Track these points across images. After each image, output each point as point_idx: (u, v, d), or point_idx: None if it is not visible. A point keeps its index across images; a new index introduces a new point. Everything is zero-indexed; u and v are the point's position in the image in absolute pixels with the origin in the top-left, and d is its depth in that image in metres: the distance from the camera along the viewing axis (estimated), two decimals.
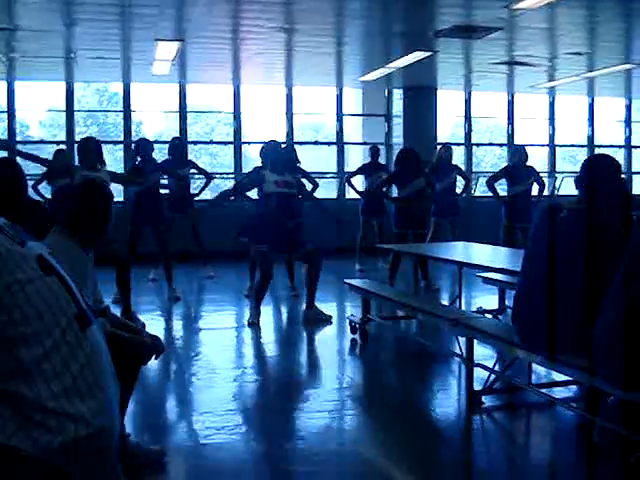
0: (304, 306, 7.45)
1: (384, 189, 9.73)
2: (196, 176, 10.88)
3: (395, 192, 9.57)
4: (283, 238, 7.24)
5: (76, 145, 7.30)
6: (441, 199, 10.07)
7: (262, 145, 8.49)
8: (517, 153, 9.86)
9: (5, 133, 12.34)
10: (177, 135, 12.11)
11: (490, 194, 9.84)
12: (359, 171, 11.15)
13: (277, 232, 7.20)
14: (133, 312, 7.06)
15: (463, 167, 12.62)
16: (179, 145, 10.17)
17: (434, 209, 10.13)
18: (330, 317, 7.29)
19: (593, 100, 14.92)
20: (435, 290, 8.91)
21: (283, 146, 8.79)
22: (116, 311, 6.01)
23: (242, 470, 3.70)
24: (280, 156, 7.50)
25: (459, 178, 10.65)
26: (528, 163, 9.74)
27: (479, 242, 7.31)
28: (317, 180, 9.11)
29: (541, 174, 10.38)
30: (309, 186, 9.55)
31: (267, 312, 7.89)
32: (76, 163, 7.56)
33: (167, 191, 9.60)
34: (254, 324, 7.11)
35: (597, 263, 3.62)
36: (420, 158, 8.92)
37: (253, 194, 8.25)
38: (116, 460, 2.18)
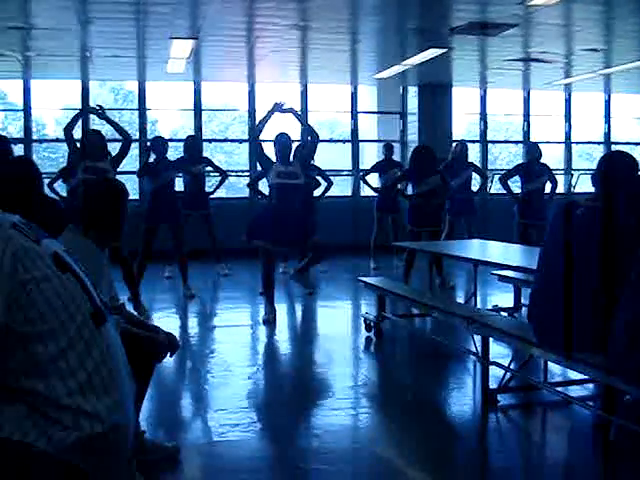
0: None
1: (399, 186, 9.71)
2: (211, 174, 10.89)
3: (409, 189, 9.54)
4: (284, 232, 7.14)
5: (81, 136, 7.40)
6: (457, 197, 10.05)
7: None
8: (531, 150, 9.83)
9: (21, 132, 12.41)
10: (192, 133, 12.14)
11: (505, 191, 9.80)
12: (373, 169, 11.13)
13: (277, 226, 7.14)
14: (141, 301, 7.14)
15: (479, 165, 12.57)
16: (194, 143, 10.20)
17: (449, 207, 10.11)
18: (312, 292, 7.25)
19: (609, 97, 14.82)
20: (450, 288, 8.89)
21: (296, 144, 8.73)
22: (131, 309, 6.05)
23: (256, 467, 3.70)
24: (285, 146, 7.38)
25: (475, 176, 10.62)
26: (542, 161, 9.69)
27: (494, 240, 7.28)
28: (332, 178, 9.08)
29: (557, 172, 10.36)
30: (324, 184, 9.57)
31: (281, 309, 7.89)
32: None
33: (182, 188, 9.65)
34: (268, 322, 7.12)
35: (614, 261, 3.60)
36: (435, 155, 8.87)
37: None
38: (131, 457, 2.19)
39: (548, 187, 9.75)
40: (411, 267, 8.53)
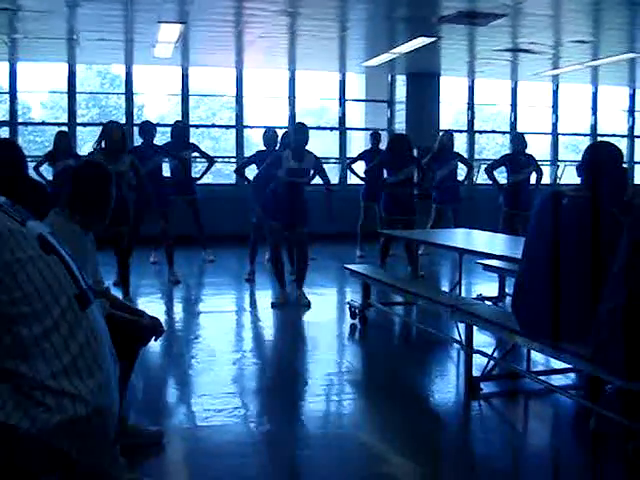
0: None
1: (376, 173, 9.73)
2: (197, 160, 10.85)
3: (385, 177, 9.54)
4: (289, 215, 7.29)
5: (101, 128, 7.09)
6: (442, 186, 10.10)
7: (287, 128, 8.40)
8: (516, 141, 9.88)
9: (7, 115, 12.32)
10: (179, 118, 12.09)
11: (490, 182, 9.85)
12: (360, 157, 11.12)
13: (285, 209, 7.26)
14: (130, 297, 7.11)
15: (465, 154, 12.61)
16: (181, 128, 10.14)
17: (435, 196, 10.17)
18: (309, 303, 7.28)
19: (597, 89, 14.87)
20: (421, 277, 8.77)
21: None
22: (116, 293, 6.03)
23: (240, 452, 3.71)
24: (303, 142, 7.31)
25: (461, 166, 10.65)
26: (528, 151, 9.75)
27: (480, 229, 7.31)
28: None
29: (543, 163, 10.42)
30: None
31: (266, 295, 7.89)
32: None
33: (169, 174, 9.62)
34: (277, 305, 7.28)
35: (598, 250, 3.62)
36: (412, 145, 8.91)
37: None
38: (114, 440, 2.19)
39: (533, 178, 9.81)
40: (387, 254, 8.60)
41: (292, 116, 13.08)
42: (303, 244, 7.41)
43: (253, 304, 7.93)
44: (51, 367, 1.92)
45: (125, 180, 6.94)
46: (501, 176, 9.93)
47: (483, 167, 10.66)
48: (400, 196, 8.58)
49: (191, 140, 11.11)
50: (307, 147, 7.35)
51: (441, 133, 10.79)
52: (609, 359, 3.35)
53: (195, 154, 10.33)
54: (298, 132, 7.38)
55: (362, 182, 10.83)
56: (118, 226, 6.64)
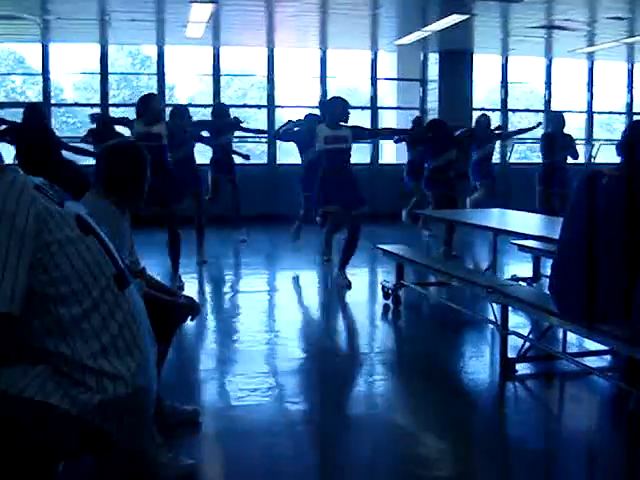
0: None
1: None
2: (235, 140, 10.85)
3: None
4: (345, 195, 7.20)
5: (138, 101, 7.23)
6: (477, 168, 10.17)
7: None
8: (555, 120, 9.79)
9: (40, 96, 12.40)
10: (210, 98, 12.09)
11: (526, 162, 9.82)
12: (402, 139, 11.12)
13: (339, 189, 7.17)
14: (179, 275, 7.13)
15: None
16: (222, 109, 10.12)
17: (478, 176, 10.31)
18: (349, 283, 7.24)
19: (633, 66, 14.60)
20: (454, 257, 8.76)
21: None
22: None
23: (274, 432, 3.71)
24: (342, 111, 7.24)
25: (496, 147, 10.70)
26: (565, 131, 9.65)
27: (514, 209, 7.22)
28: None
29: (578, 141, 10.29)
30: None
31: (299, 275, 7.89)
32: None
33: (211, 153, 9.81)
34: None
35: (638, 230, 3.55)
36: (449, 129, 8.96)
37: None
38: (152, 419, 2.20)
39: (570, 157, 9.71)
40: (452, 234, 8.69)
41: (324, 95, 13.01)
42: (357, 226, 7.33)
43: (286, 284, 7.93)
44: (90, 347, 1.92)
45: (164, 145, 7.03)
46: (534, 155, 9.85)
47: (517, 147, 10.60)
48: (439, 176, 8.74)
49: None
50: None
51: (478, 115, 10.73)
52: None
53: (239, 133, 10.36)
54: (335, 104, 7.32)
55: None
56: (169, 204, 6.75)
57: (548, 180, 9.41)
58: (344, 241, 7.42)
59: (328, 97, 7.81)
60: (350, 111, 7.31)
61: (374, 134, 8.16)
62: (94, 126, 9.17)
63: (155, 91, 12.64)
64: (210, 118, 9.99)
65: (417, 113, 13.16)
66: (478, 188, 10.57)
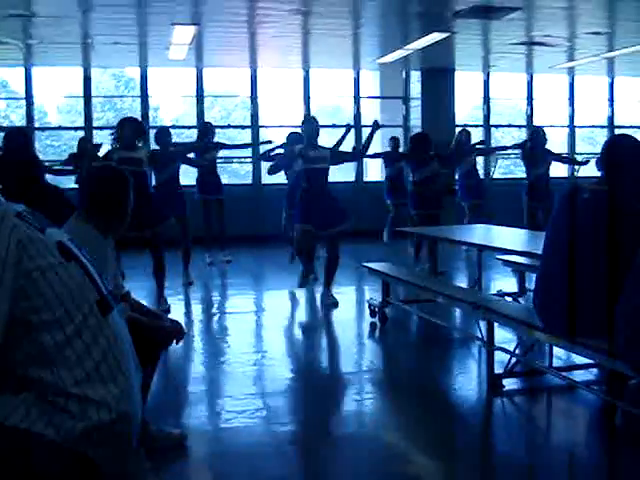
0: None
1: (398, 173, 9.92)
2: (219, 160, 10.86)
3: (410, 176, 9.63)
4: (321, 215, 7.24)
5: (115, 125, 7.19)
6: (463, 183, 10.28)
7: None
8: (535, 135, 9.87)
9: (23, 120, 12.39)
10: (194, 119, 12.13)
11: (510, 176, 9.92)
12: (378, 155, 11.24)
13: (316, 210, 7.22)
14: (165, 298, 7.10)
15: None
16: (208, 129, 10.11)
17: (463, 193, 10.41)
18: (336, 303, 7.26)
19: (613, 80, 14.75)
20: (440, 273, 8.77)
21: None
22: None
23: (262, 453, 3.70)
24: (314, 130, 7.35)
25: (479, 160, 10.76)
26: (547, 146, 9.79)
27: (499, 224, 7.26)
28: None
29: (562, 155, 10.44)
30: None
31: (285, 295, 7.90)
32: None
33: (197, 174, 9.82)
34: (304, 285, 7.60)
35: (619, 245, 3.58)
36: (432, 143, 9.01)
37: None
38: (138, 444, 2.19)
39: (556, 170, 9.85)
40: (420, 250, 8.87)
41: (307, 114, 13.04)
42: (336, 244, 7.37)
43: (273, 304, 7.92)
44: (74, 374, 1.92)
45: (144, 170, 6.98)
46: (518, 170, 9.93)
47: (500, 162, 10.71)
48: (425, 192, 8.76)
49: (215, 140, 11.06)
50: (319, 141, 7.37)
51: (458, 130, 10.82)
52: (630, 354, 3.32)
53: (222, 154, 10.40)
54: (307, 122, 7.49)
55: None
56: (151, 227, 6.73)
57: (533, 195, 9.49)
58: (325, 260, 7.46)
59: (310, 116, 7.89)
60: (320, 129, 7.42)
61: (355, 158, 8.21)
62: (75, 151, 9.22)
63: (139, 113, 12.68)
64: (196, 139, 9.98)
65: (400, 130, 13.25)
66: (466, 211, 10.62)
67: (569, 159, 10.82)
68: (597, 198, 3.77)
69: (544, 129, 10.01)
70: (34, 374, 1.90)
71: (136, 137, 6.98)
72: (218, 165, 10.50)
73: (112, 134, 7.00)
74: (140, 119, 12.26)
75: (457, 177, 10.53)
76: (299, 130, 7.91)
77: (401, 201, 10.67)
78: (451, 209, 10.08)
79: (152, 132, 9.39)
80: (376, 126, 7.70)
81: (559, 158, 10.15)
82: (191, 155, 9.45)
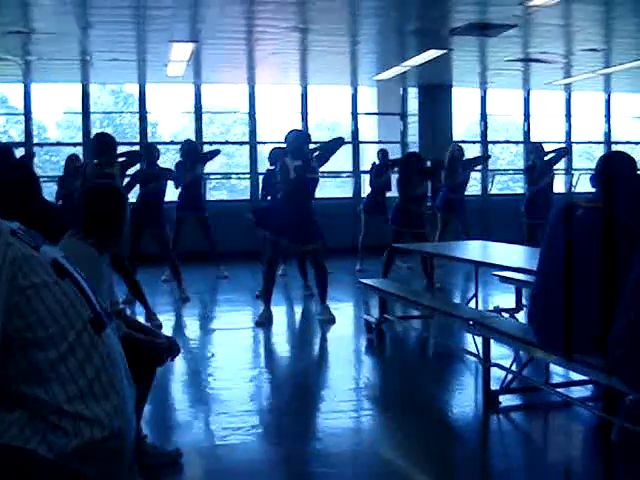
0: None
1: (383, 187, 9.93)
2: (211, 176, 10.85)
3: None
4: (298, 229, 7.15)
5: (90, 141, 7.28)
6: (449, 197, 10.24)
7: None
8: (535, 150, 9.95)
9: (22, 135, 12.42)
10: (193, 135, 12.16)
11: (508, 192, 9.93)
12: (371, 172, 11.21)
13: (293, 224, 7.12)
14: (152, 312, 7.07)
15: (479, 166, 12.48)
16: (190, 147, 10.05)
17: (440, 205, 10.28)
18: (333, 318, 7.24)
19: (610, 96, 14.82)
20: (437, 289, 8.78)
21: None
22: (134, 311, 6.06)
23: (258, 471, 3.70)
24: (299, 142, 7.33)
25: (474, 175, 10.77)
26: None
27: (495, 240, 7.28)
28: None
29: (558, 171, 10.44)
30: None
31: (282, 311, 7.90)
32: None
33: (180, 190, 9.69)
34: (261, 324, 7.10)
35: (614, 262, 3.59)
36: (425, 162, 9.01)
37: None
38: (132, 461, 2.19)
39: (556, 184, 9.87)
40: (390, 265, 8.67)
41: (305, 131, 13.09)
42: (319, 259, 7.34)
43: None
44: (67, 391, 1.92)
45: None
46: (516, 185, 9.95)
47: (498, 177, 10.71)
48: (412, 211, 8.67)
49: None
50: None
51: (451, 145, 10.86)
52: (626, 370, 3.32)
53: (208, 169, 10.35)
54: (294, 135, 7.43)
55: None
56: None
57: (531, 211, 9.53)
58: (314, 275, 7.42)
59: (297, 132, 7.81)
60: (309, 141, 7.48)
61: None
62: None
63: (138, 129, 12.72)
64: (180, 156, 9.92)
65: (398, 147, 13.29)
66: (439, 222, 10.49)
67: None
68: (591, 215, 3.79)
69: (542, 144, 10.08)
70: (28, 391, 1.91)
71: (104, 152, 7.08)
72: (211, 181, 10.47)
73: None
74: (138, 134, 12.44)
75: (442, 188, 10.39)
76: (282, 145, 7.90)
77: (377, 216, 10.66)
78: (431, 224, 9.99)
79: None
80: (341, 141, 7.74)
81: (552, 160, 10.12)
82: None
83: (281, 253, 7.37)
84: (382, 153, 11.31)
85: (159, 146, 9.52)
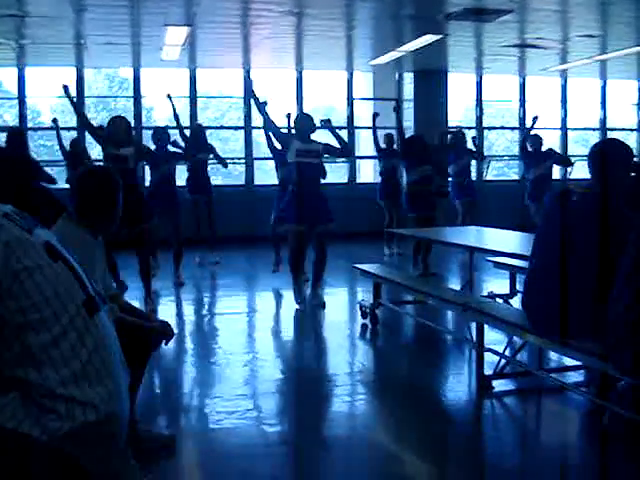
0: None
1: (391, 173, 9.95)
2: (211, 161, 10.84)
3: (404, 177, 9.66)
4: (312, 213, 7.16)
5: (107, 123, 7.24)
6: (453, 181, 10.35)
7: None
8: (532, 139, 9.99)
9: (16, 120, 12.37)
10: (187, 120, 12.12)
11: (503, 178, 10.01)
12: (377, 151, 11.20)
13: (302, 208, 7.14)
14: (152, 298, 7.10)
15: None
16: (199, 130, 10.17)
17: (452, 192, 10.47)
18: (324, 304, 7.25)
19: (605, 83, 14.80)
20: (431, 274, 8.82)
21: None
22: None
23: (252, 454, 3.71)
24: (309, 125, 7.32)
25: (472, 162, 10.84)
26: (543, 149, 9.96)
27: (490, 226, 7.29)
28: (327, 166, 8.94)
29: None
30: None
31: (277, 297, 7.90)
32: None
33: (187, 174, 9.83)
34: (302, 310, 7.19)
35: (608, 247, 3.60)
36: (426, 144, 9.03)
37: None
38: (125, 445, 2.19)
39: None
40: (418, 252, 8.80)
41: (303, 112, 13.03)
42: (324, 242, 7.33)
43: (263, 305, 7.93)
44: (60, 374, 1.92)
45: (132, 167, 7.03)
46: (512, 172, 10.00)
47: (493, 163, 10.78)
48: (419, 193, 8.76)
49: (209, 142, 11.05)
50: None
51: (454, 129, 10.88)
52: (620, 356, 3.34)
53: (211, 156, 10.36)
54: (303, 118, 7.45)
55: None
56: (140, 224, 6.75)
57: (534, 196, 9.60)
58: (314, 259, 7.42)
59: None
60: (315, 128, 7.37)
61: (345, 154, 8.08)
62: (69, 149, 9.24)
63: (132, 113, 12.67)
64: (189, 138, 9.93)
65: (393, 132, 13.25)
66: (458, 208, 10.67)
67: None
68: (586, 201, 3.79)
69: (537, 134, 10.15)
70: (21, 374, 1.91)
71: (125, 135, 7.05)
72: (210, 165, 10.48)
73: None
74: (133, 119, 12.39)
75: (451, 179, 10.57)
76: (289, 129, 7.90)
77: (396, 202, 10.66)
78: (441, 211, 10.07)
79: (144, 132, 9.37)
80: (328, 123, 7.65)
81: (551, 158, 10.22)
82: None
83: (300, 243, 7.32)
84: (387, 137, 11.26)
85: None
